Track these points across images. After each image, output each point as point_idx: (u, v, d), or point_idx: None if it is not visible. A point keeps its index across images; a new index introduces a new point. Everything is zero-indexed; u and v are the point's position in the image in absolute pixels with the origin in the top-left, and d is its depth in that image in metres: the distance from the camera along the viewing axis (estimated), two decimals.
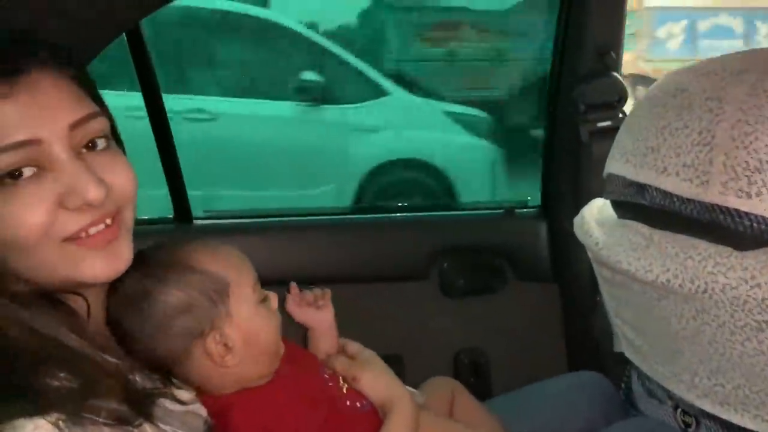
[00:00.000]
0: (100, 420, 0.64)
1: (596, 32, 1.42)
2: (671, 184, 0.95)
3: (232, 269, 0.87)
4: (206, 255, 0.86)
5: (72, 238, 0.70)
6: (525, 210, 1.79)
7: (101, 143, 0.73)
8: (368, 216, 1.72)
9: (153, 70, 1.39)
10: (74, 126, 0.69)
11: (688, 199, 0.92)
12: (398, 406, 0.93)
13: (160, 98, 1.42)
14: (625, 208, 1.14)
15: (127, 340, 0.81)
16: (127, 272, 0.77)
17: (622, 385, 1.34)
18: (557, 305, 1.74)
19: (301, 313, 1.06)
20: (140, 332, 0.81)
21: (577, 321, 1.71)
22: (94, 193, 0.68)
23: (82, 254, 0.71)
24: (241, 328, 0.85)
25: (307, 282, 1.58)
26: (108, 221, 0.72)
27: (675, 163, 0.94)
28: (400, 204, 1.83)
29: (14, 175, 0.67)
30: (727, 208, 0.86)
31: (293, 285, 1.10)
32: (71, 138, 0.69)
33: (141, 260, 0.81)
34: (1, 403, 0.62)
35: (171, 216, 1.56)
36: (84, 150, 0.71)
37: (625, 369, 1.35)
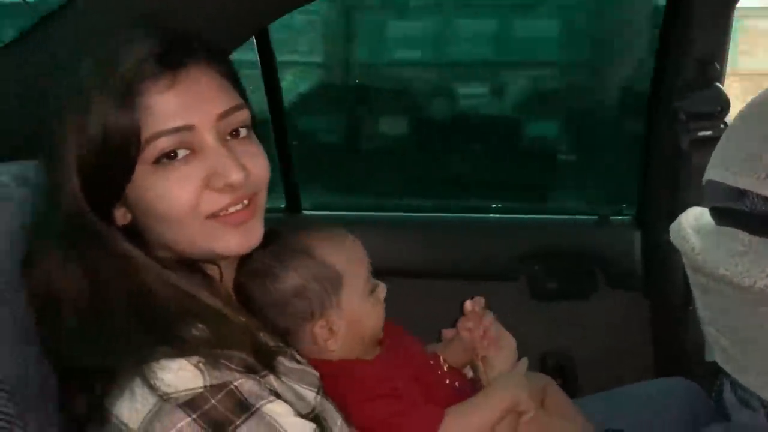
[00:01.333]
0: (233, 367, 0.73)
1: (699, 42, 1.43)
2: None
3: (350, 262, 0.95)
4: (329, 246, 0.94)
5: (214, 216, 0.80)
6: (620, 217, 1.81)
7: (243, 132, 0.82)
8: (462, 215, 1.78)
9: (276, 70, 1.51)
10: (222, 116, 0.79)
11: None
12: (499, 381, 0.98)
13: (281, 97, 1.54)
14: (723, 215, 1.15)
15: (251, 306, 0.91)
16: (258, 248, 0.86)
17: (713, 394, 1.34)
18: (646, 314, 1.74)
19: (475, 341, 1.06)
20: (261, 304, 0.91)
21: (666, 330, 1.70)
22: (236, 176, 0.78)
23: (221, 230, 0.81)
24: (348, 317, 0.93)
25: (402, 275, 1.67)
26: (245, 202, 0.82)
27: None
28: (494, 205, 1.87)
29: (170, 156, 0.77)
30: None
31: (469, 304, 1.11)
32: (219, 126, 0.79)
33: (271, 240, 0.91)
34: (151, 347, 0.72)
35: (282, 206, 1.67)
36: (228, 137, 0.81)
37: (715, 378, 1.35)
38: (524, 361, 1.03)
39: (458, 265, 1.70)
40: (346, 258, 0.94)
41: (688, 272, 1.32)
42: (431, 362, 1.04)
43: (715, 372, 1.34)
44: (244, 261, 0.90)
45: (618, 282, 1.75)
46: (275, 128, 1.55)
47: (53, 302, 0.75)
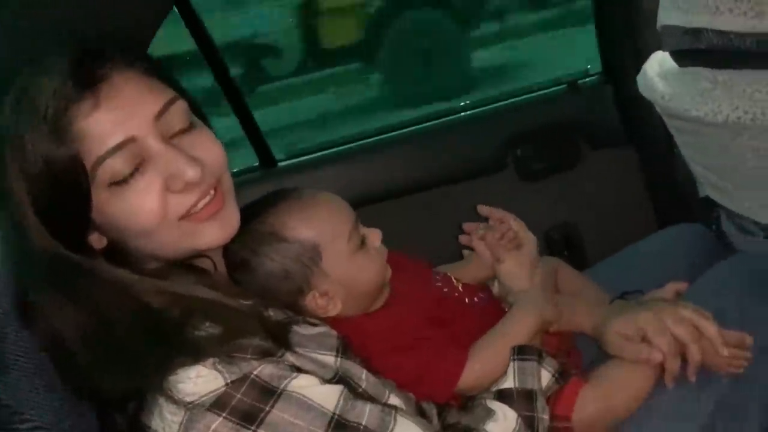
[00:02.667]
0: (249, 356, 0.74)
1: None
2: (726, 21, 0.95)
3: (323, 229, 0.91)
4: (297, 220, 0.91)
5: (186, 216, 0.79)
6: (588, 79, 1.79)
7: (186, 124, 0.80)
8: (435, 121, 1.76)
9: (205, 28, 1.45)
10: (158, 116, 0.76)
11: (745, 34, 0.92)
12: (522, 302, 0.97)
13: (219, 55, 1.49)
14: (684, 57, 1.15)
15: (250, 289, 0.90)
16: (240, 233, 0.85)
17: (713, 227, 1.37)
18: (636, 166, 1.75)
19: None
20: (255, 287, 0.90)
21: (658, 177, 1.72)
22: (191, 173, 0.76)
23: (197, 228, 0.80)
24: (339, 280, 0.92)
25: (393, 196, 1.68)
26: (212, 192, 0.80)
27: (726, 0, 0.94)
28: (462, 103, 1.85)
29: (119, 177, 0.75)
30: None
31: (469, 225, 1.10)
32: (158, 127, 0.76)
33: (249, 219, 0.88)
34: (163, 361, 0.73)
35: (256, 164, 1.66)
36: (173, 134, 0.78)
37: (712, 212, 1.38)
38: (532, 240, 1.04)
39: (444, 171, 1.69)
40: (318, 226, 0.91)
41: (664, 118, 1.33)
42: (444, 288, 1.03)
43: (711, 206, 1.37)
44: (224, 252, 0.90)
45: (601, 143, 1.75)
46: (224, 89, 1.51)
47: (60, 342, 0.75)
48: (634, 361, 0.91)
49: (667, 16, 1.15)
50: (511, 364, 0.89)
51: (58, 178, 0.73)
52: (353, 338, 0.89)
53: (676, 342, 0.89)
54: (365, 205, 1.54)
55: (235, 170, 1.66)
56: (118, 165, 0.74)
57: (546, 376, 0.90)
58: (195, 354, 0.73)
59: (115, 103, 0.74)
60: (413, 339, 0.91)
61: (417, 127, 1.75)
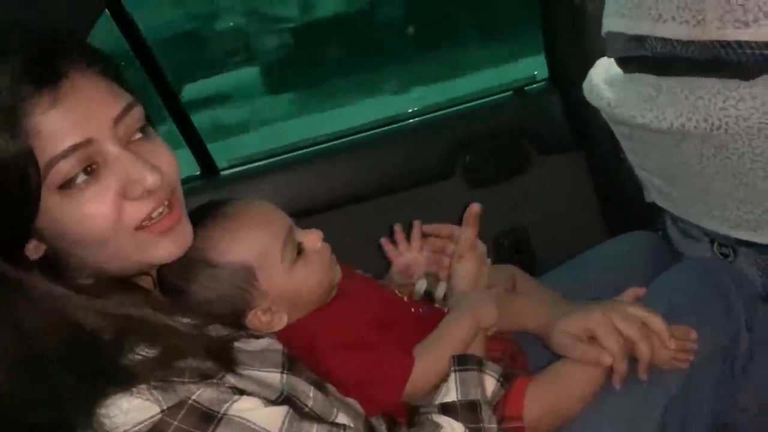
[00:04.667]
0: (186, 380, 0.69)
1: None
2: (669, 29, 0.95)
3: (255, 248, 0.87)
4: (226, 242, 0.86)
5: (142, 227, 0.74)
6: (535, 85, 1.79)
7: (143, 132, 0.76)
8: (383, 129, 1.73)
9: (141, 36, 1.39)
10: (117, 119, 0.72)
11: (688, 41, 0.92)
12: (460, 305, 0.95)
13: (156, 62, 1.43)
14: (629, 63, 1.15)
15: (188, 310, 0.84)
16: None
17: (659, 233, 1.38)
18: (584, 171, 1.76)
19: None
20: (193, 307, 0.84)
21: (606, 182, 1.73)
22: (151, 179, 0.72)
23: (153, 240, 0.75)
24: (281, 296, 0.88)
25: (338, 205, 1.64)
26: (166, 203, 0.76)
27: (669, 8, 0.94)
28: (410, 110, 1.83)
29: (75, 177, 0.70)
30: (727, 42, 0.87)
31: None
32: (116, 131, 0.72)
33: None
34: (93, 391, 0.68)
35: (198, 173, 1.60)
36: (130, 141, 0.74)
37: (658, 217, 1.39)
38: (482, 247, 1.01)
39: (392, 179, 1.67)
40: (248, 246, 0.87)
41: (610, 125, 1.33)
42: (391, 297, 1.03)
43: (657, 212, 1.38)
44: (158, 275, 0.85)
45: (549, 149, 1.76)
46: (162, 95, 1.45)
47: None
48: (582, 362, 0.90)
49: (611, 23, 1.15)
50: (452, 375, 0.87)
51: (7, 175, 0.67)
52: (299, 338, 0.87)
53: (626, 342, 0.88)
54: (310, 215, 1.51)
55: None
56: (71, 167, 0.69)
57: (491, 383, 0.87)
58: (128, 381, 0.68)
59: (74, 102, 0.69)
60: (361, 339, 0.89)
61: (363, 134, 1.72)
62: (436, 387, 0.87)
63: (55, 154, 0.68)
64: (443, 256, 1.08)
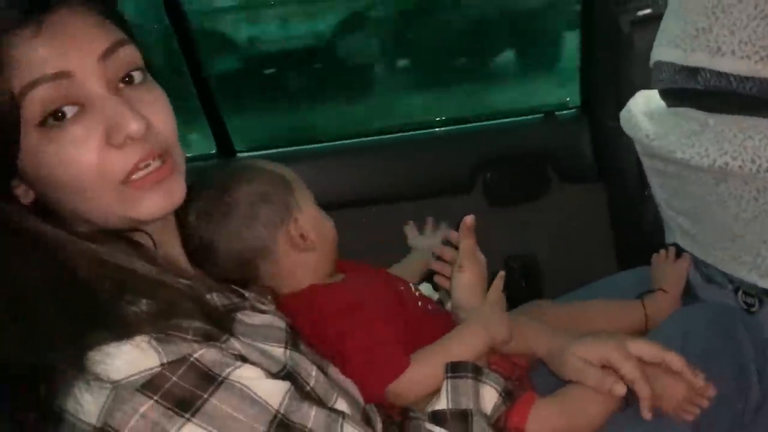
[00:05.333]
0: (189, 337, 0.66)
1: None
2: (727, 63, 0.92)
3: (287, 171, 0.96)
4: (262, 162, 0.95)
5: (127, 181, 0.70)
6: (566, 111, 1.77)
7: (138, 76, 0.72)
8: (409, 133, 1.71)
9: (180, 5, 1.37)
10: (104, 56, 0.68)
11: (747, 78, 0.89)
12: (473, 318, 0.93)
13: (192, 34, 1.41)
14: (675, 96, 1.12)
15: (209, 254, 0.86)
16: (196, 193, 0.83)
17: None
18: (603, 204, 1.74)
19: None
20: (225, 236, 0.87)
21: (624, 218, 1.70)
22: (135, 125, 0.67)
23: (138, 195, 0.71)
24: (310, 218, 0.93)
25: (351, 204, 1.62)
26: (158, 162, 0.72)
27: (730, 41, 0.91)
28: (438, 118, 1.81)
29: (57, 116, 0.67)
30: None
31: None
32: (104, 70, 0.68)
33: (204, 183, 0.86)
34: (88, 332, 0.64)
35: (214, 152, 1.57)
36: (121, 85, 0.70)
37: None
38: (500, 277, 0.99)
39: (412, 185, 1.64)
40: (281, 168, 0.95)
41: (643, 158, 1.30)
42: (401, 288, 1.01)
43: (677, 254, 1.34)
44: (187, 208, 0.84)
45: (572, 177, 1.73)
46: (190, 68, 1.42)
47: None
48: (595, 389, 0.87)
49: (663, 52, 1.12)
50: (445, 382, 0.83)
51: None
52: (307, 309, 0.86)
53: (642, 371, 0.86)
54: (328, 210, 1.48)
55: (191, 155, 1.57)
56: (48, 97, 0.65)
57: (491, 394, 0.83)
58: (126, 330, 0.64)
59: (58, 35, 0.66)
60: (369, 318, 0.88)
61: (389, 136, 1.69)
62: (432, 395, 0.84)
63: (29, 80, 0.65)
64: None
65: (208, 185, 0.89)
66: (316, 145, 1.65)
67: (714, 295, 1.21)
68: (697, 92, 1.02)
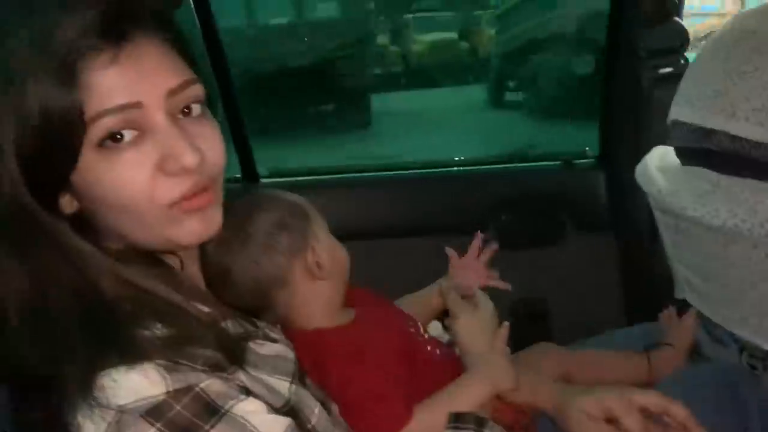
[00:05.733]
0: (198, 367, 0.68)
1: None
2: (741, 128, 0.94)
3: (304, 201, 0.98)
4: (279, 192, 0.97)
5: (173, 205, 0.73)
6: (584, 161, 1.79)
7: (196, 109, 0.75)
8: (427, 170, 1.74)
9: (217, 31, 1.42)
10: (173, 92, 0.72)
11: (759, 143, 0.91)
12: (478, 367, 0.93)
13: (226, 61, 1.46)
14: (690, 155, 1.14)
15: (225, 282, 0.87)
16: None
17: None
18: (616, 255, 1.74)
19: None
20: (243, 264, 0.88)
21: (635, 269, 1.71)
22: (190, 158, 0.70)
23: (180, 218, 0.74)
24: (326, 247, 0.94)
25: (368, 236, 1.64)
26: (205, 187, 0.74)
27: (745, 107, 0.93)
28: (457, 158, 1.84)
29: (116, 138, 0.69)
30: None
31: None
32: (169, 103, 0.71)
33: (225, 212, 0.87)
34: (103, 353, 0.66)
35: (238, 176, 1.61)
36: (180, 115, 0.73)
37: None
38: (504, 327, 1.00)
39: (424, 222, 1.67)
40: (296, 197, 0.97)
41: (656, 213, 1.31)
42: (411, 329, 1.01)
43: (685, 310, 1.35)
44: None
45: (586, 225, 1.75)
46: (223, 93, 1.47)
47: None
48: None
49: (680, 111, 1.14)
50: None
51: (52, 125, 0.67)
52: (312, 351, 0.87)
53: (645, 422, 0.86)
54: (342, 241, 1.50)
55: None
56: (114, 124, 0.69)
57: None
58: (136, 355, 0.66)
59: (133, 64, 0.69)
60: (371, 368, 0.88)
61: (406, 172, 1.72)
62: None
63: (102, 108, 0.68)
64: None
65: (228, 214, 0.91)
66: (336, 176, 1.68)
67: (719, 353, 1.21)
68: (711, 152, 1.04)
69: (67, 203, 0.74)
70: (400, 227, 1.64)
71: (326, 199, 1.66)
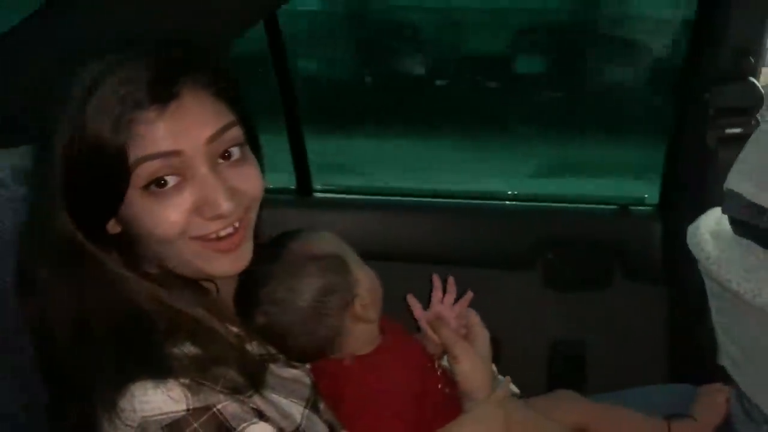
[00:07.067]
0: (218, 388, 0.73)
1: (736, 32, 1.34)
2: None
3: (339, 245, 0.99)
4: (317, 241, 0.97)
5: (205, 242, 0.79)
6: (641, 208, 1.75)
7: (236, 153, 0.80)
8: (479, 201, 1.75)
9: (285, 52, 1.47)
10: (212, 139, 0.78)
11: None
12: (473, 416, 0.96)
13: (291, 79, 1.51)
14: (741, 227, 1.10)
15: (283, 343, 0.90)
16: (261, 278, 0.90)
17: None
18: (664, 309, 1.70)
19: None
20: (298, 331, 0.92)
21: (683, 328, 1.66)
22: (225, 207, 0.77)
23: (210, 255, 0.80)
24: (366, 284, 0.98)
25: (415, 260, 1.66)
26: (236, 224, 0.81)
27: None
28: (510, 192, 1.83)
29: (160, 183, 0.76)
30: None
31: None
32: (209, 149, 0.78)
33: (267, 261, 0.91)
34: (135, 368, 0.72)
35: (293, 187, 1.66)
36: (220, 160, 0.79)
37: (725, 385, 1.31)
38: (507, 381, 1.01)
39: (471, 252, 1.67)
40: (333, 244, 0.99)
41: (704, 277, 1.28)
42: (429, 364, 1.04)
43: (726, 378, 1.30)
44: (252, 293, 0.91)
45: (636, 275, 1.71)
46: (286, 109, 1.53)
47: (45, 321, 0.77)
48: None
49: (735, 181, 1.11)
50: None
51: (100, 168, 0.74)
52: (330, 378, 0.90)
53: None
54: (380, 260, 1.53)
55: (270, 186, 1.67)
56: (156, 170, 0.76)
57: None
58: (163, 372, 0.72)
59: (176, 117, 0.76)
60: (387, 403, 0.91)
61: (457, 200, 1.73)
62: None
63: (145, 154, 0.75)
64: None
65: (267, 272, 0.92)
66: (387, 198, 1.71)
67: (750, 431, 1.17)
68: (762, 230, 1.01)
69: (113, 226, 0.81)
70: (445, 255, 1.65)
71: (373, 219, 1.70)
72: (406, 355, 1.01)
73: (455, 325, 1.06)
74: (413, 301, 1.10)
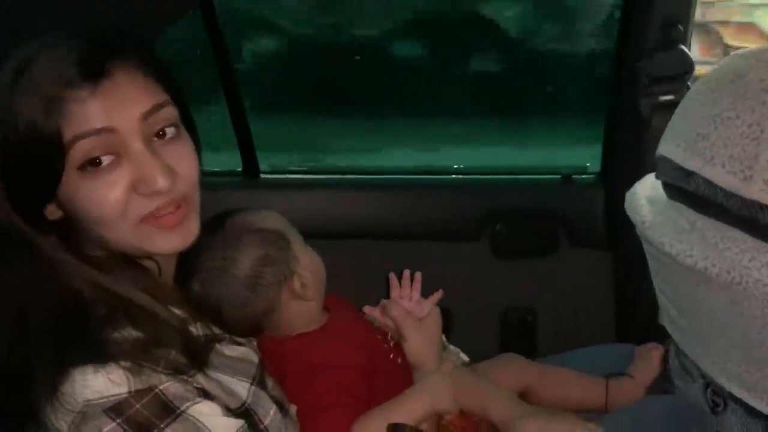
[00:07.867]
0: (159, 369, 0.74)
1: (663, 3, 1.38)
2: (716, 174, 0.95)
3: (282, 223, 1.00)
4: (260, 217, 0.99)
5: (145, 219, 0.79)
6: (584, 176, 1.79)
7: (170, 132, 0.80)
8: (425, 176, 1.77)
9: (220, 29, 1.45)
10: (145, 116, 0.77)
11: (731, 192, 0.92)
12: (422, 385, 0.99)
13: (229, 57, 1.49)
14: (674, 190, 1.15)
15: (217, 314, 0.91)
16: (200, 248, 0.88)
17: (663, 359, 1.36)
18: (609, 273, 1.75)
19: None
20: (232, 301, 0.93)
21: (627, 290, 1.72)
22: (161, 182, 0.76)
23: (154, 232, 0.80)
24: (307, 264, 0.99)
25: (365, 236, 1.67)
26: (172, 208, 0.80)
27: (722, 153, 0.94)
28: (456, 166, 1.86)
29: (95, 162, 0.76)
30: (767, 206, 0.87)
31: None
32: (143, 127, 0.77)
33: (208, 233, 0.90)
34: (72, 351, 0.72)
35: (239, 170, 1.65)
36: (155, 138, 0.79)
37: (665, 343, 1.37)
38: (456, 351, 1.05)
39: (420, 226, 1.69)
40: (275, 221, 1.00)
41: (642, 240, 1.32)
42: (378, 337, 1.06)
43: (666, 336, 1.36)
44: (190, 265, 0.91)
45: (581, 241, 1.76)
46: (226, 89, 1.51)
47: None
48: None
49: (666, 148, 1.15)
50: None
51: (35, 149, 0.73)
52: (275, 355, 0.92)
53: None
54: (328, 239, 1.54)
55: (217, 170, 1.65)
56: (91, 149, 0.75)
57: None
58: (104, 357, 0.72)
59: (109, 94, 0.75)
60: (328, 378, 0.93)
61: (403, 176, 1.75)
62: None
63: (79, 132, 0.74)
64: None
65: (207, 243, 0.92)
66: (334, 176, 1.72)
67: (686, 386, 1.23)
68: (691, 193, 1.05)
69: (52, 212, 0.80)
70: (395, 230, 1.67)
71: (322, 198, 1.71)
72: (352, 332, 1.03)
73: (409, 306, 1.08)
74: (394, 282, 1.12)
